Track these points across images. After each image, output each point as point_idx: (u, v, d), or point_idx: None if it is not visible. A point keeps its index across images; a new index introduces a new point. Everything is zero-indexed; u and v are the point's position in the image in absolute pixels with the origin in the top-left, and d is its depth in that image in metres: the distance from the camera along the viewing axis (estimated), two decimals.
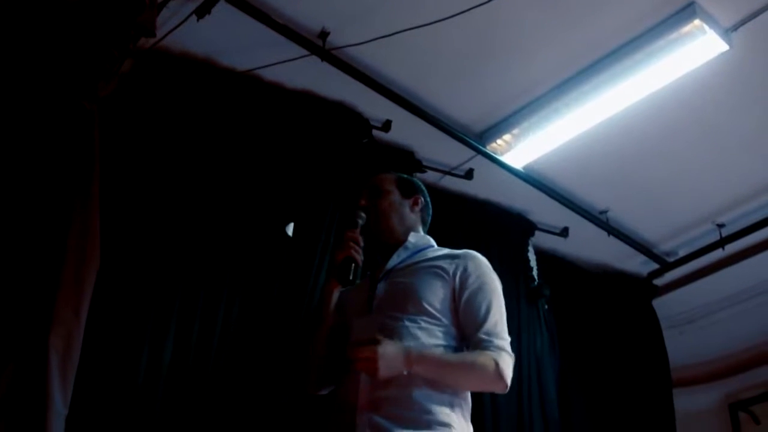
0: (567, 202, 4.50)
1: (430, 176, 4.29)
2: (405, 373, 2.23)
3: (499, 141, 4.08)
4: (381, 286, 2.50)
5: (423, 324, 2.37)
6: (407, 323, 2.36)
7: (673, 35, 3.39)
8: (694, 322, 5.39)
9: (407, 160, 4.11)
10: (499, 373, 2.31)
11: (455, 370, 2.33)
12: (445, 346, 2.38)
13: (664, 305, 5.29)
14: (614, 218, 4.74)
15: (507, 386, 2.35)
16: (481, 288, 2.45)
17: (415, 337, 2.33)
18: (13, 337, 2.41)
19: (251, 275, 3.32)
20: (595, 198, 4.61)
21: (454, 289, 2.44)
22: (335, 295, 2.53)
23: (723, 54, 3.45)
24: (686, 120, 3.93)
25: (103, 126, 2.86)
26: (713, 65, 3.52)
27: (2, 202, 2.57)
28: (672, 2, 3.33)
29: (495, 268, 4.31)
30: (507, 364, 2.34)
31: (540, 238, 4.83)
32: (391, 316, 2.39)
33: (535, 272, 4.71)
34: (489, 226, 4.53)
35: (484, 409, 3.87)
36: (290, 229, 3.54)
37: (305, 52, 3.45)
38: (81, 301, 2.55)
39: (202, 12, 3.18)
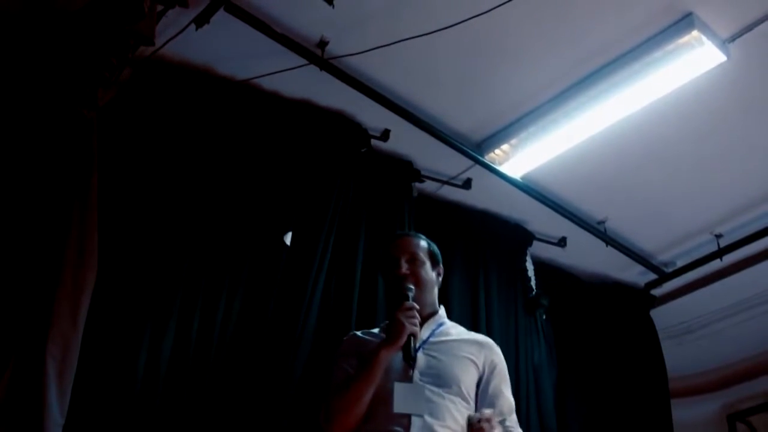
0: (565, 211, 4.50)
1: (429, 186, 4.30)
2: None
3: (497, 151, 4.08)
4: (420, 357, 2.59)
5: (459, 405, 2.53)
6: (449, 403, 2.51)
7: (671, 46, 3.40)
8: (692, 332, 5.39)
9: (406, 170, 4.12)
10: None
11: None
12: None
13: (662, 315, 5.28)
14: (612, 228, 4.74)
15: None
16: (505, 380, 2.71)
17: (454, 418, 2.49)
18: (10, 344, 2.40)
19: (249, 284, 3.33)
20: (593, 208, 4.61)
21: (481, 377, 2.65)
22: (385, 363, 2.54)
23: (720, 65, 3.46)
24: (684, 130, 3.94)
25: (102, 134, 2.86)
26: (711, 76, 3.53)
27: (1, 209, 2.57)
28: (670, 13, 3.34)
29: (493, 278, 4.37)
30: None
31: (538, 248, 4.83)
32: (433, 392, 2.51)
33: (533, 282, 4.71)
34: (487, 235, 4.53)
35: None
36: (288, 238, 3.54)
37: (304, 61, 3.45)
38: (78, 308, 2.55)
39: (201, 21, 3.18)
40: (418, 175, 4.16)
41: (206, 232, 3.27)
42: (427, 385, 2.51)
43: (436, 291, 2.84)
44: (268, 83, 3.59)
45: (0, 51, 2.83)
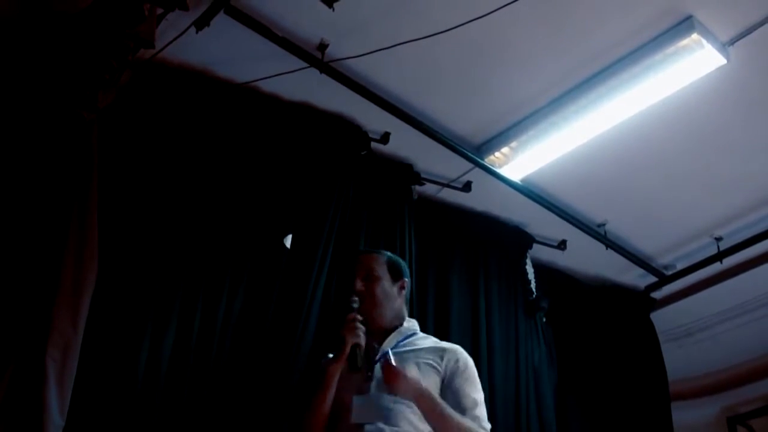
0: (565, 214, 4.51)
1: (429, 189, 4.30)
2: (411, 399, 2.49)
3: (497, 154, 4.09)
4: (378, 368, 2.64)
5: (417, 409, 2.52)
6: (405, 408, 2.53)
7: (671, 49, 3.40)
8: (693, 335, 5.39)
9: (406, 173, 4.12)
10: None
11: (448, 422, 2.48)
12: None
13: (662, 318, 5.29)
14: (612, 231, 4.74)
15: None
16: (469, 380, 2.68)
17: (410, 422, 2.52)
18: (10, 347, 2.40)
19: (250, 289, 3.32)
20: (593, 211, 4.62)
21: (443, 379, 2.65)
22: (337, 377, 2.63)
23: (720, 68, 3.46)
24: (684, 133, 3.94)
25: (101, 136, 2.86)
26: (711, 79, 3.53)
27: (1, 212, 2.57)
28: (670, 16, 3.34)
29: (493, 281, 4.37)
30: None
31: (538, 251, 4.83)
32: (390, 400, 2.55)
33: (533, 285, 4.71)
34: (487, 238, 4.53)
35: None
36: (288, 241, 3.54)
37: (304, 64, 3.45)
38: (79, 311, 2.54)
39: (201, 24, 3.18)
40: (418, 178, 4.17)
41: (206, 235, 3.26)
42: (384, 395, 2.56)
43: (398, 303, 2.86)
44: (268, 86, 3.60)
45: (0, 53, 2.83)
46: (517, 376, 4.22)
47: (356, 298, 2.70)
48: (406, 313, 2.90)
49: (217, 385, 3.06)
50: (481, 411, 2.61)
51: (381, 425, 2.48)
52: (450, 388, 2.62)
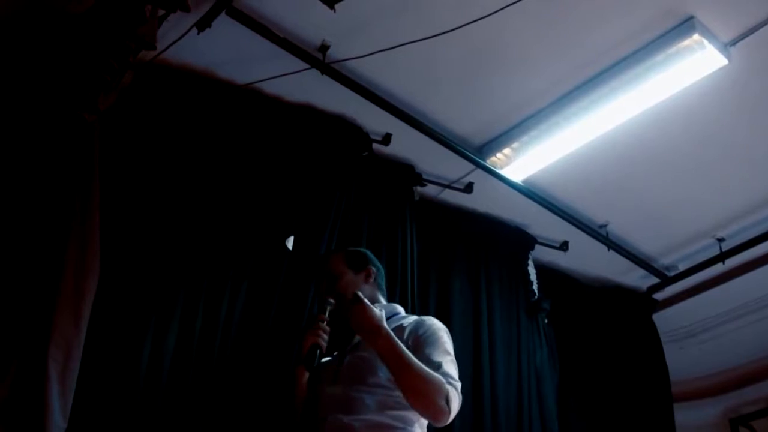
0: (567, 216, 4.50)
1: (430, 190, 4.30)
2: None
3: (498, 155, 4.08)
4: (347, 359, 2.65)
5: (379, 395, 2.50)
6: (364, 395, 2.50)
7: (672, 50, 3.40)
8: (695, 336, 5.39)
9: (407, 174, 4.12)
10: (447, 398, 2.40)
11: (412, 369, 2.40)
12: (396, 417, 2.49)
13: (664, 319, 5.28)
14: (614, 232, 4.74)
15: (449, 418, 2.43)
16: (433, 343, 2.58)
17: (369, 407, 2.48)
18: (13, 348, 2.40)
19: (252, 291, 3.32)
20: (595, 212, 4.61)
21: (408, 348, 2.51)
22: (304, 378, 2.73)
23: (722, 68, 3.46)
24: (685, 134, 3.94)
25: (103, 138, 2.87)
26: (712, 80, 3.53)
27: (3, 213, 2.57)
28: (671, 17, 3.34)
29: (494, 282, 4.39)
30: (456, 397, 2.44)
31: (540, 252, 4.83)
32: (353, 388, 2.54)
33: (534, 286, 4.71)
34: (489, 239, 4.53)
35: (484, 422, 3.86)
36: (290, 243, 3.54)
37: (305, 65, 3.45)
38: (81, 311, 2.55)
39: (202, 25, 3.18)
40: (419, 179, 4.17)
41: (208, 236, 3.26)
42: (349, 384, 2.55)
43: (367, 292, 2.77)
44: (270, 87, 3.60)
45: (1, 54, 2.83)
46: (518, 378, 4.22)
47: (332, 300, 2.70)
48: (381, 299, 2.88)
49: (219, 385, 3.05)
50: (449, 368, 2.51)
51: (340, 416, 2.47)
52: (416, 357, 2.48)
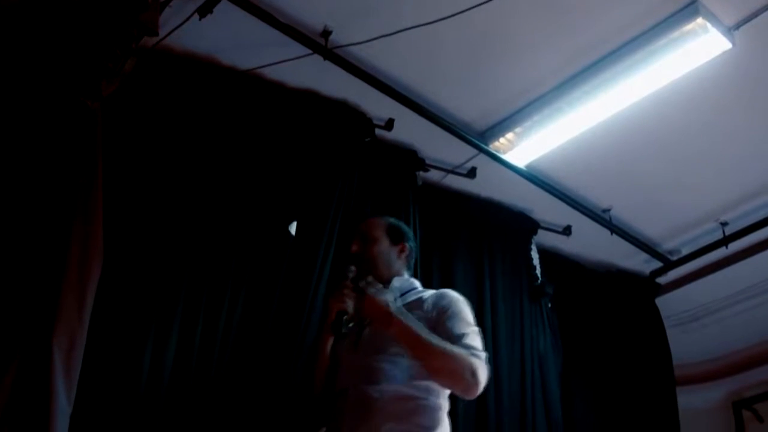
0: (570, 200, 4.50)
1: (433, 175, 4.30)
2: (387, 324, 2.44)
3: (501, 139, 4.08)
4: (367, 329, 2.64)
5: (400, 364, 2.50)
6: (385, 364, 2.51)
7: (676, 33, 3.38)
8: (698, 320, 5.39)
9: (410, 159, 4.12)
10: (473, 372, 2.39)
11: (432, 348, 2.40)
12: (420, 387, 2.49)
13: (667, 303, 5.29)
14: (617, 216, 4.74)
15: (478, 390, 2.42)
16: (455, 315, 2.59)
17: (393, 378, 2.48)
18: (18, 335, 2.41)
19: (254, 275, 3.33)
20: (598, 196, 4.61)
21: (430, 321, 2.56)
22: (330, 344, 2.70)
23: (726, 52, 3.44)
24: (689, 118, 3.93)
25: (105, 124, 2.86)
26: (716, 63, 3.52)
27: (5, 201, 2.58)
28: (674, 0, 3.33)
29: (498, 267, 4.39)
30: (483, 369, 2.43)
31: (543, 237, 4.83)
32: (374, 358, 2.54)
33: (538, 270, 4.72)
34: (492, 224, 4.53)
35: (487, 407, 3.88)
36: (293, 228, 3.55)
37: (308, 50, 3.45)
38: (84, 299, 2.55)
39: (204, 11, 3.18)
40: (422, 164, 4.17)
41: (211, 222, 3.27)
42: (369, 353, 2.56)
43: (396, 266, 2.84)
44: (272, 73, 3.60)
45: (3, 41, 2.83)
46: (522, 362, 4.23)
47: (352, 267, 2.69)
48: (405, 274, 2.87)
49: (220, 383, 3.06)
50: (473, 340, 2.51)
51: (363, 386, 2.47)
52: (438, 331, 2.51)
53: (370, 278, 2.60)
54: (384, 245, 2.85)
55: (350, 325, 2.59)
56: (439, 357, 2.40)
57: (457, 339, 2.47)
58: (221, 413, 3.02)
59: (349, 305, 2.56)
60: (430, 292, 2.76)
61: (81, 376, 2.50)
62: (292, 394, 3.14)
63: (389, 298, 2.50)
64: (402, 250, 2.89)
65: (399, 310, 2.48)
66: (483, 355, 2.47)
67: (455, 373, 2.40)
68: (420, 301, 2.69)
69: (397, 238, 2.90)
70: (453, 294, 2.72)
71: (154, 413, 2.84)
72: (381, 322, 2.46)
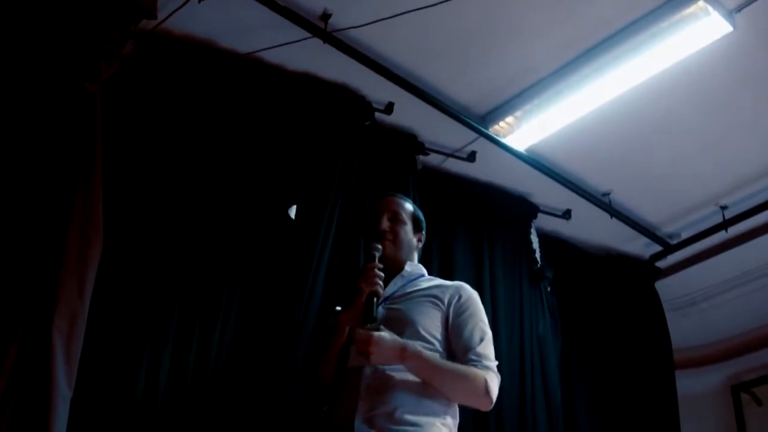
0: (570, 184, 4.50)
1: (433, 159, 4.30)
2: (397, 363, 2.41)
3: (501, 123, 4.08)
4: (380, 311, 2.59)
5: (418, 346, 2.48)
6: None
7: (677, 16, 3.37)
8: (697, 304, 5.39)
9: (410, 143, 4.11)
10: (486, 389, 2.46)
11: (446, 374, 2.47)
12: None
13: (666, 287, 5.29)
14: (617, 200, 4.73)
15: (492, 403, 2.49)
16: (472, 315, 2.63)
17: None
18: (18, 318, 2.42)
19: (254, 259, 3.32)
20: (598, 180, 4.61)
21: (447, 316, 2.61)
22: (347, 329, 2.57)
23: (727, 35, 3.43)
24: (689, 101, 3.92)
25: (104, 108, 2.86)
26: (717, 47, 3.51)
27: (4, 184, 2.58)
28: None
29: (497, 251, 4.39)
30: (494, 382, 2.49)
31: (543, 221, 4.83)
32: None
33: (537, 254, 4.73)
34: (491, 208, 4.53)
35: None
36: (292, 212, 3.54)
37: (307, 34, 3.44)
38: (84, 282, 2.56)
39: None
40: (422, 148, 4.16)
41: (209, 208, 3.27)
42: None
43: (414, 255, 2.85)
44: (272, 56, 3.58)
45: (2, 25, 2.82)
46: (521, 346, 4.24)
47: (379, 246, 2.67)
48: (415, 259, 2.88)
49: (217, 392, 3.04)
50: (485, 348, 2.56)
51: (378, 366, 2.44)
52: (453, 326, 2.58)
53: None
54: (410, 230, 2.86)
55: (379, 308, 2.55)
56: (453, 379, 2.47)
57: (470, 345, 2.53)
58: (218, 419, 3.00)
59: (380, 286, 2.54)
60: (442, 281, 2.78)
61: (76, 387, 2.49)
62: (291, 398, 3.13)
63: (386, 336, 2.42)
64: (420, 240, 2.92)
65: (405, 344, 2.44)
66: (494, 365, 2.54)
67: (469, 393, 2.49)
68: (441, 287, 2.70)
69: (419, 225, 2.92)
70: (470, 291, 2.74)
71: (150, 421, 2.82)
72: (394, 360, 2.43)
